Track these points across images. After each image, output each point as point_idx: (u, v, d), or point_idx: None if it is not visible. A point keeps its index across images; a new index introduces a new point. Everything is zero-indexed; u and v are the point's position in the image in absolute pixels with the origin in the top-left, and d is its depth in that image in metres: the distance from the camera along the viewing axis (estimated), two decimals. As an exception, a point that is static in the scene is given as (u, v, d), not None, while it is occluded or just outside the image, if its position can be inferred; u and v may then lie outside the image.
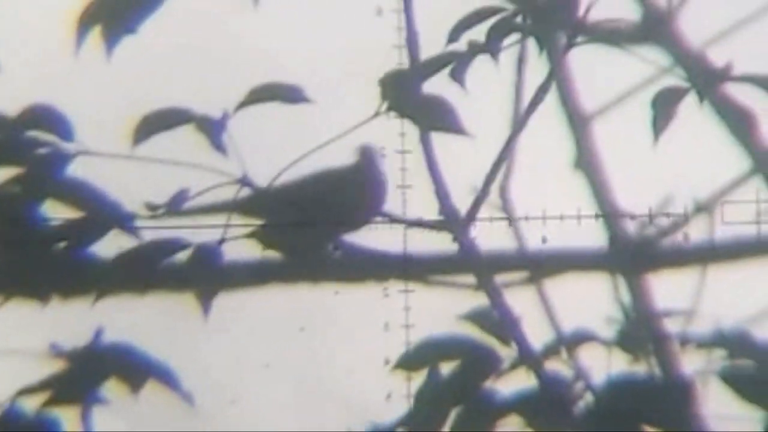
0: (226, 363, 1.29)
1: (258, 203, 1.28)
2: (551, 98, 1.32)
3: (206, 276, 1.27)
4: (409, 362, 1.31)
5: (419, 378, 1.31)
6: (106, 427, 1.26)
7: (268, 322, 1.29)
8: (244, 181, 1.29)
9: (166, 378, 1.25)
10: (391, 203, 1.31)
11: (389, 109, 1.30)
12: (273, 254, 1.30)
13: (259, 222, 1.29)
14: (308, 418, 1.28)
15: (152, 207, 1.27)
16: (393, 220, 1.31)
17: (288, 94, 1.28)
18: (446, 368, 1.31)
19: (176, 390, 1.26)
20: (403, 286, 1.30)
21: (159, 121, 1.26)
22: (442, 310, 1.31)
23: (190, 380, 1.26)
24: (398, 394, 1.30)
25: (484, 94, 1.31)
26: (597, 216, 1.29)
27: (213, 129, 1.27)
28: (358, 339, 1.29)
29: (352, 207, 1.29)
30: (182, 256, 1.28)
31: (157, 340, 1.26)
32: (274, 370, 1.29)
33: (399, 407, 1.29)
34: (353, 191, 1.30)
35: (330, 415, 1.28)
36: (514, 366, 1.31)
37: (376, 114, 1.30)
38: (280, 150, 1.28)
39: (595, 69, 1.31)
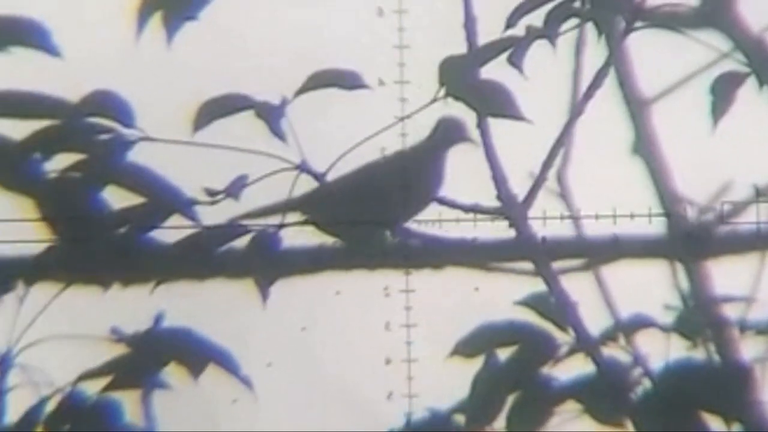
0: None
1: (317, 197, 1.29)
2: (610, 83, 1.31)
3: (265, 262, 1.28)
4: (466, 348, 1.31)
5: (477, 364, 1.31)
6: (166, 411, 1.27)
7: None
8: (302, 168, 1.29)
9: (226, 363, 1.26)
10: (448, 189, 1.31)
11: (447, 94, 1.30)
12: (330, 241, 1.30)
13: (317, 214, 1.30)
14: (310, 416, 1.28)
15: (212, 193, 1.28)
16: (450, 205, 1.31)
17: (346, 81, 1.29)
18: (504, 354, 1.32)
19: (236, 375, 1.27)
20: (404, 285, 1.30)
21: (218, 108, 1.27)
22: (501, 295, 1.31)
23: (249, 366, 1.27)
24: (399, 393, 1.30)
25: (542, 79, 1.30)
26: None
27: (272, 115, 1.28)
28: (359, 338, 1.29)
29: (408, 194, 1.29)
30: (241, 242, 1.29)
31: (217, 325, 1.26)
32: (276, 367, 1.29)
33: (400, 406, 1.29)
34: (411, 177, 1.30)
35: (332, 415, 1.29)
36: (571, 352, 1.30)
37: (434, 99, 1.30)
38: (338, 137, 1.29)
39: (653, 54, 1.30)
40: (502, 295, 1.31)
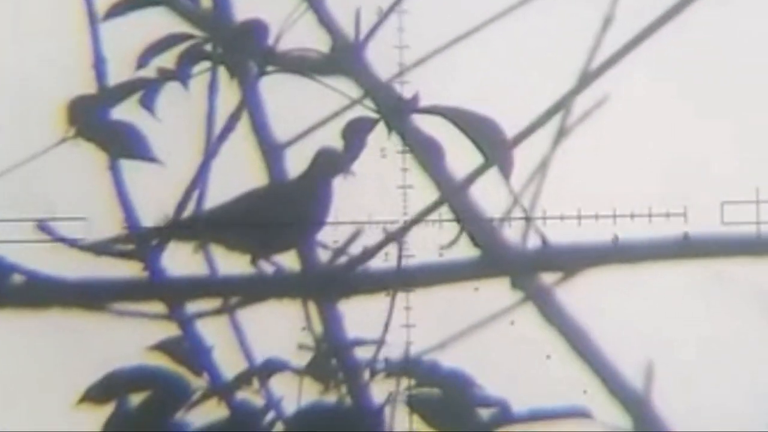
0: None
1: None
2: (243, 126, 1.32)
3: None
4: (96, 394, 1.29)
5: (109, 410, 1.29)
6: None
7: None
8: None
9: None
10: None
11: (77, 134, 1.28)
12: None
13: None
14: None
15: None
16: (78, 247, 1.29)
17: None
18: (136, 400, 1.30)
19: None
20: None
21: None
22: (133, 339, 1.29)
23: None
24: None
25: (175, 121, 1.30)
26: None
27: None
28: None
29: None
30: None
31: None
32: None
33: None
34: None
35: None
36: (205, 396, 1.30)
37: (63, 140, 1.28)
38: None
39: (286, 98, 1.31)
40: (133, 340, 1.29)
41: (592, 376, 1.30)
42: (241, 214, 1.29)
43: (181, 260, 1.30)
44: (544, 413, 1.28)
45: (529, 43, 1.30)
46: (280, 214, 1.29)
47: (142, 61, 1.28)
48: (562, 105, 1.31)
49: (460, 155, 1.30)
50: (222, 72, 1.30)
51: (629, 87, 1.30)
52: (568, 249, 1.31)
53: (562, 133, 1.31)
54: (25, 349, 1.29)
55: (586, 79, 1.31)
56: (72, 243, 1.28)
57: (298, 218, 1.29)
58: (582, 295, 1.31)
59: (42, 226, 1.28)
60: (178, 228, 1.29)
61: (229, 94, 1.31)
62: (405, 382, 1.30)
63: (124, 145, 1.28)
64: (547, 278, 1.31)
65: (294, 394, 1.29)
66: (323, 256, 1.31)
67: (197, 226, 1.29)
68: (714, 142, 1.31)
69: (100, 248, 1.29)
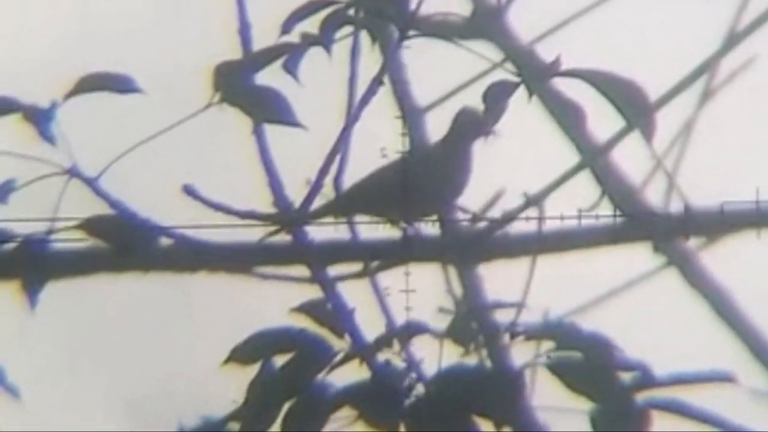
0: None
1: None
2: (385, 91, 1.33)
3: (33, 267, 1.27)
4: (242, 355, 1.31)
5: (254, 370, 1.31)
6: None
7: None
8: (73, 172, 1.28)
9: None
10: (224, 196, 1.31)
11: (222, 100, 1.30)
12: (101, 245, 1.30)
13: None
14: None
15: (-21, 197, 1.26)
16: (226, 211, 1.31)
17: (118, 84, 1.28)
18: (279, 361, 1.32)
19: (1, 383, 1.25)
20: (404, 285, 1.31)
21: (-16, 110, 1.26)
22: (277, 302, 1.31)
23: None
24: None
25: (317, 86, 1.31)
26: (597, 217, 1.30)
27: (40, 119, 1.27)
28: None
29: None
30: (8, 247, 1.27)
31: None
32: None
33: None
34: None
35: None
36: (347, 358, 1.31)
37: (209, 105, 1.30)
38: (110, 141, 1.28)
39: (427, 63, 1.32)
40: (277, 302, 1.31)
41: (737, 341, 1.28)
42: (382, 188, 1.30)
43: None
44: (687, 377, 1.27)
45: (674, 3, 1.29)
46: (422, 181, 1.30)
47: (286, 26, 1.29)
48: (707, 67, 1.29)
49: (602, 119, 1.29)
50: (364, 37, 1.31)
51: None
52: (711, 213, 1.29)
53: (707, 96, 1.30)
54: (173, 311, 1.32)
55: (732, 40, 1.29)
56: (218, 207, 1.31)
57: (439, 183, 1.29)
58: (725, 259, 1.29)
59: (188, 189, 1.30)
60: (324, 212, 1.30)
61: (371, 59, 1.32)
62: (545, 346, 1.29)
63: (268, 109, 1.30)
64: (691, 243, 1.30)
65: (434, 356, 1.30)
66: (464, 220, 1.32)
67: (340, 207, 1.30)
68: None
69: (244, 212, 1.31)
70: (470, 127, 1.30)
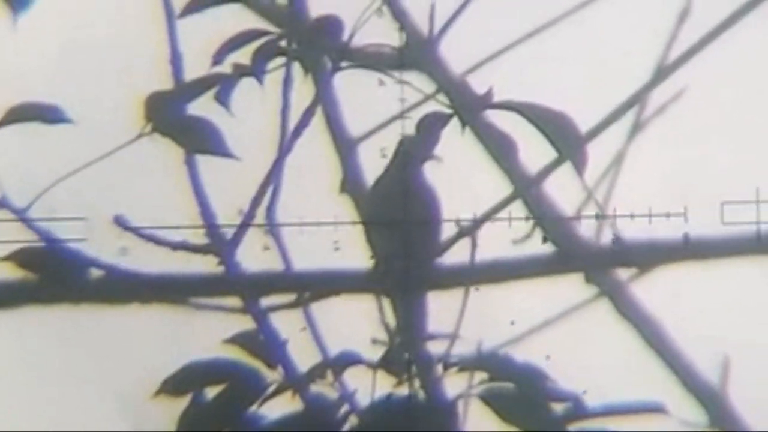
0: None
1: None
2: (318, 122, 1.33)
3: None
4: (173, 386, 1.30)
5: (185, 402, 1.30)
6: None
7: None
8: (1, 203, 1.27)
9: None
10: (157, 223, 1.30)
11: (153, 130, 1.30)
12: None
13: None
14: None
15: None
16: (157, 242, 1.30)
17: (48, 115, 1.27)
18: (212, 392, 1.31)
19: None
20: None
21: None
22: (209, 332, 1.31)
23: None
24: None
25: (250, 116, 1.31)
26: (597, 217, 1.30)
27: (-32, 149, 1.26)
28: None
29: None
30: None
31: None
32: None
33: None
34: None
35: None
36: (280, 389, 1.31)
37: (140, 135, 1.29)
38: (40, 171, 1.27)
39: (360, 93, 1.32)
40: (210, 332, 1.31)
41: (667, 371, 1.29)
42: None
43: (255, 255, 1.32)
44: (618, 408, 1.27)
45: (604, 36, 1.30)
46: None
47: (218, 57, 1.29)
48: (637, 99, 1.30)
49: (534, 150, 1.30)
50: (297, 68, 1.31)
51: (705, 80, 1.30)
52: (642, 245, 1.30)
53: (637, 128, 1.31)
54: (103, 342, 1.31)
55: (661, 72, 1.30)
56: (149, 238, 1.30)
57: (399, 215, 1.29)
58: (656, 290, 1.30)
59: (119, 219, 1.29)
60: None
61: (303, 90, 1.32)
62: (478, 377, 1.30)
63: (199, 140, 1.30)
64: (622, 274, 1.31)
65: (368, 387, 1.30)
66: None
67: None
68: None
69: (177, 243, 1.30)
70: (415, 153, 1.30)
